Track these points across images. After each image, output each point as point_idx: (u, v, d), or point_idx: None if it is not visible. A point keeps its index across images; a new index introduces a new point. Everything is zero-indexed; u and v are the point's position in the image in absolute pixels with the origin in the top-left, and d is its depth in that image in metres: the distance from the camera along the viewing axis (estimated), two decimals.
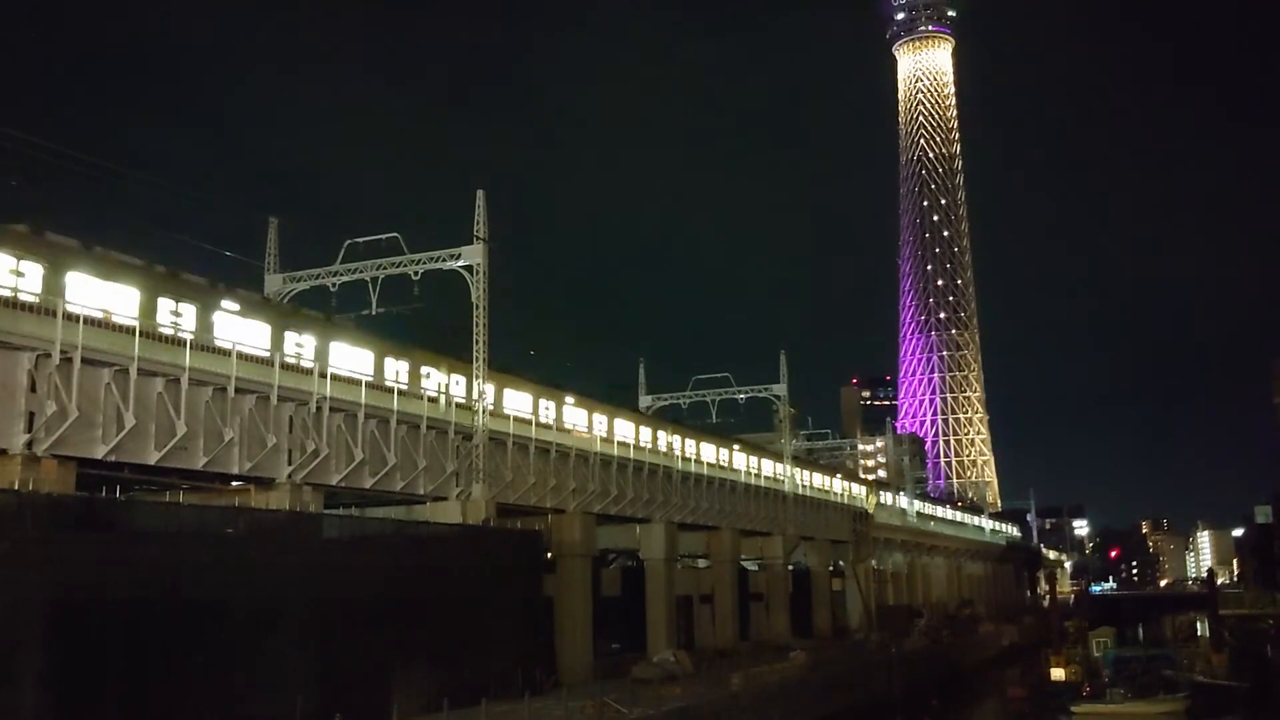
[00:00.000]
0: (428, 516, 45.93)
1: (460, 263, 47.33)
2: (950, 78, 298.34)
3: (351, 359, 42.70)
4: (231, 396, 35.86)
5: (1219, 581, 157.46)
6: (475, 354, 47.09)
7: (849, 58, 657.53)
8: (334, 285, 49.01)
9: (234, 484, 38.54)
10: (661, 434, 67.50)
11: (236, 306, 37.94)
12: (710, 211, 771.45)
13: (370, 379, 42.69)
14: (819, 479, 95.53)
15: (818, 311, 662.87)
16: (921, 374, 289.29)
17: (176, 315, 35.30)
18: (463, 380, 48.25)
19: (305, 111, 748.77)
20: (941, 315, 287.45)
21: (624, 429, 62.36)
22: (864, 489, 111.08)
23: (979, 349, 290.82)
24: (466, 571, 43.60)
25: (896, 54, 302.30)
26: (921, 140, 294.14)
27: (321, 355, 40.83)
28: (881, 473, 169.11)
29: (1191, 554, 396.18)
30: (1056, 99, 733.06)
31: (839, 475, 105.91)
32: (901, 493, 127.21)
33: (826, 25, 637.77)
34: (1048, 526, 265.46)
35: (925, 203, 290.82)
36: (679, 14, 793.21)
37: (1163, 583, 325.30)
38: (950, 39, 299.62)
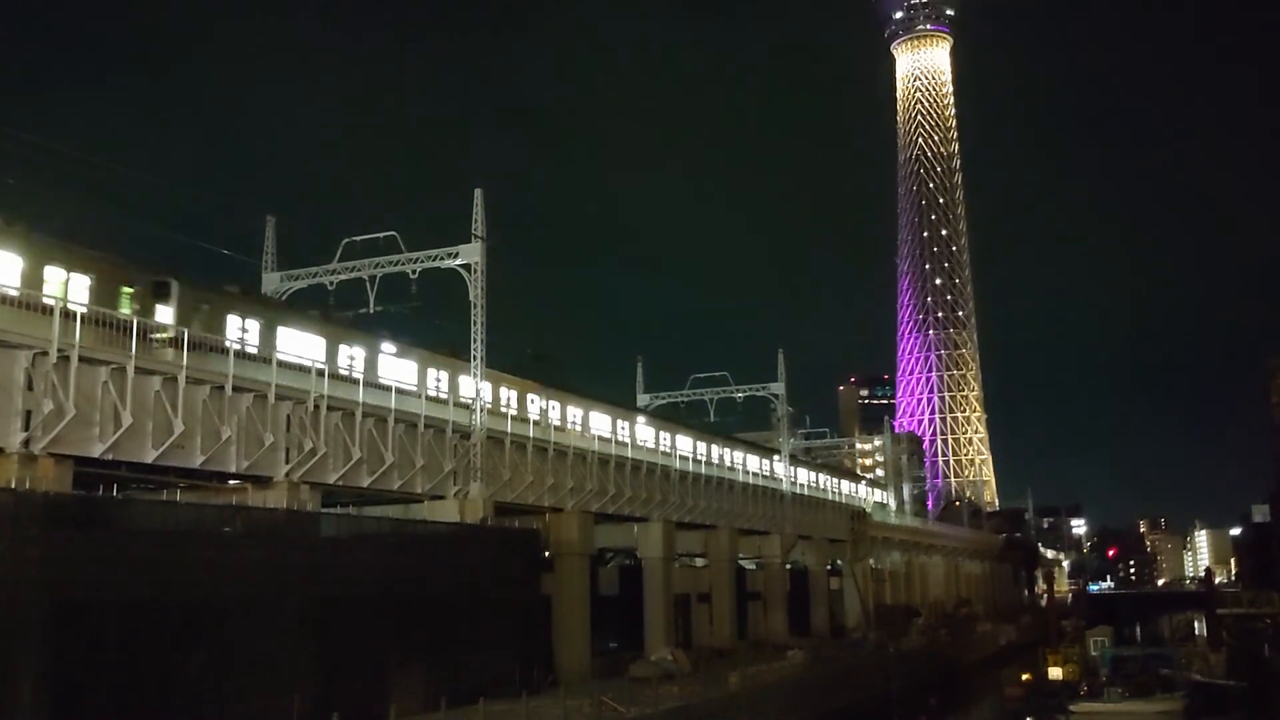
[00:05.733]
0: (425, 515, 45.93)
1: (458, 261, 47.34)
2: (949, 76, 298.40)
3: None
4: (229, 395, 35.83)
5: (1216, 580, 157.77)
6: (473, 353, 47.11)
7: (847, 56, 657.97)
8: (332, 284, 49.05)
9: (231, 482, 38.52)
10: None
11: None
12: (709, 210, 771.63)
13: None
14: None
15: (816, 311, 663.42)
16: (919, 373, 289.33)
17: None
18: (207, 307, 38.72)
19: (303, 110, 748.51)
20: (940, 314, 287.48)
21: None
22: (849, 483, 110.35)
23: (977, 348, 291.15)
24: (464, 570, 43.58)
25: (895, 53, 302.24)
26: (920, 139, 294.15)
27: None
28: (879, 471, 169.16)
29: (1189, 553, 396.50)
30: (1055, 98, 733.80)
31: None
32: (887, 492, 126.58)
33: (825, 24, 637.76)
34: (1045, 525, 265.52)
35: (924, 202, 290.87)
36: (678, 14, 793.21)
37: (1160, 582, 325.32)
38: (949, 38, 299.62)
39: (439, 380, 48.44)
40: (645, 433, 66.72)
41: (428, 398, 46.21)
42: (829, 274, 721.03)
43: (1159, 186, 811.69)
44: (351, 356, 43.93)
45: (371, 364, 44.69)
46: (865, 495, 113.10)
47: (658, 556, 63.78)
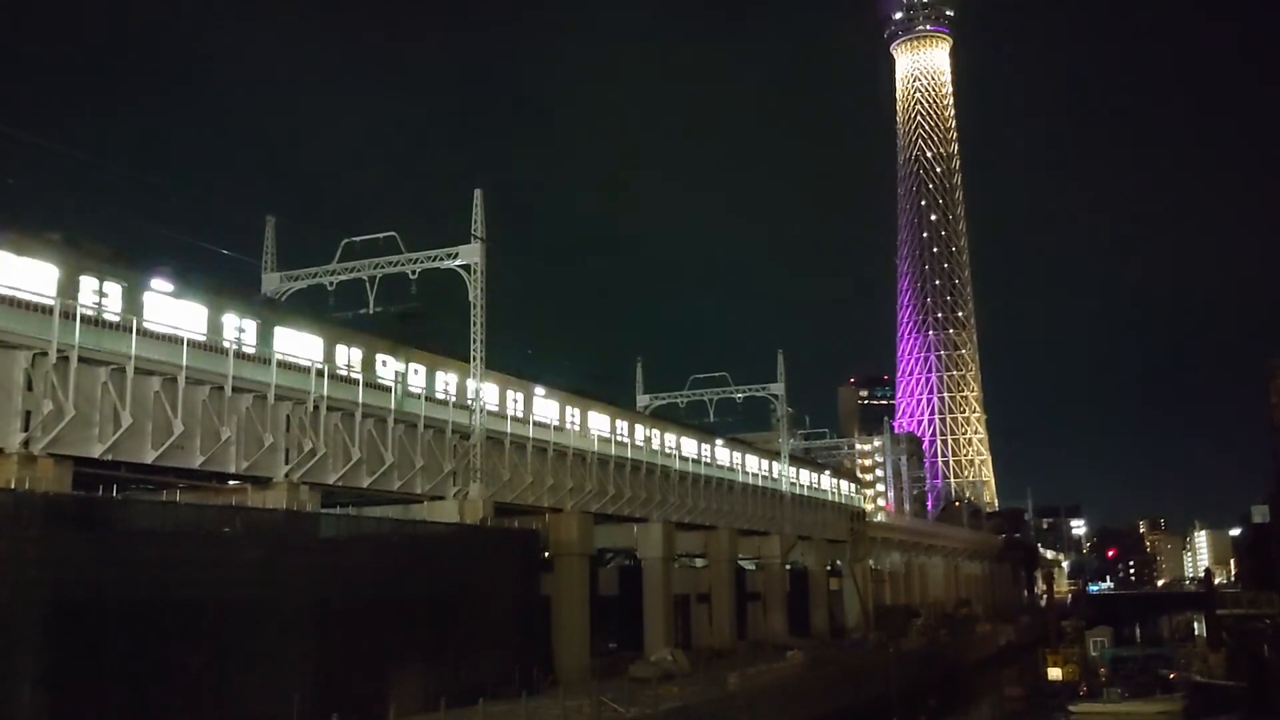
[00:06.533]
0: (425, 516, 45.93)
1: (458, 262, 47.34)
2: (948, 77, 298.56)
3: None
4: (229, 395, 35.85)
5: (1216, 581, 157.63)
6: (473, 353, 47.09)
7: (847, 57, 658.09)
8: (331, 284, 49.02)
9: (231, 483, 38.55)
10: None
11: None
12: (709, 211, 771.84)
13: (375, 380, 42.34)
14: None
15: (816, 311, 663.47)
16: (919, 373, 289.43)
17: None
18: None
19: (303, 111, 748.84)
20: (939, 315, 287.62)
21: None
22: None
23: (976, 348, 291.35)
24: (464, 570, 43.59)
25: (895, 53, 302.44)
26: (919, 140, 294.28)
27: None
28: (879, 472, 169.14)
29: (1189, 554, 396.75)
30: (1055, 98, 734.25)
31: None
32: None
33: (824, 24, 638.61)
34: (1045, 526, 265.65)
35: (923, 202, 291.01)
36: (676, 14, 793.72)
37: (1160, 582, 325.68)
38: (948, 38, 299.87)
39: (241, 331, 37.87)
40: (546, 408, 54.91)
41: (427, 398, 46.22)
42: (829, 274, 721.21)
43: (1159, 186, 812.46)
44: (102, 292, 33.29)
45: (132, 304, 33.91)
46: (831, 487, 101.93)
47: (657, 557, 63.80)
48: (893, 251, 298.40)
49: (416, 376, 45.71)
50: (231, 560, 33.30)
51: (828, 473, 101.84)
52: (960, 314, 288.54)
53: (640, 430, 64.50)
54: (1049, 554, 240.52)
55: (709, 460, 72.23)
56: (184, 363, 34.19)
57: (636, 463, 60.97)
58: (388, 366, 44.57)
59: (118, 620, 29.16)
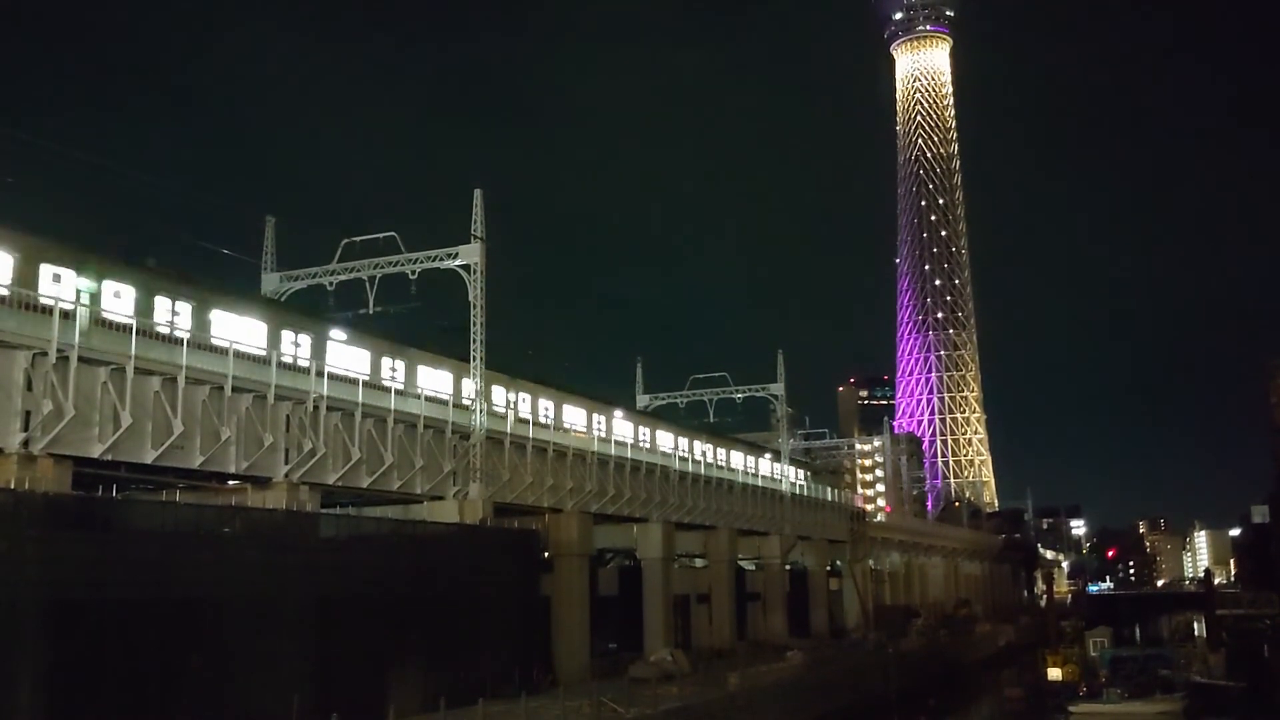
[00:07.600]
0: (425, 516, 45.92)
1: (458, 262, 47.34)
2: (948, 77, 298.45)
3: None
4: (228, 395, 35.83)
5: (1216, 581, 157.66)
6: (473, 353, 47.07)
7: (847, 57, 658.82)
8: (331, 284, 49.00)
9: (230, 483, 38.55)
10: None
11: None
12: (709, 211, 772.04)
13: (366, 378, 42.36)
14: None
15: (816, 311, 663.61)
16: (919, 373, 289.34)
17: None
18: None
19: (303, 110, 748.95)
20: (939, 315, 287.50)
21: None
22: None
23: (976, 348, 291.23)
24: (463, 571, 43.60)
25: (895, 54, 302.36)
26: (919, 140, 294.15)
27: None
28: (879, 472, 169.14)
29: (1189, 554, 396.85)
30: (1055, 98, 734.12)
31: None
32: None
33: (825, 25, 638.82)
34: (1045, 526, 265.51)
35: (923, 202, 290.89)
36: (677, 14, 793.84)
37: (1160, 582, 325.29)
38: (948, 39, 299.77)
39: None
40: (345, 355, 43.64)
41: (426, 398, 46.18)
42: (829, 274, 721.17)
43: (1159, 186, 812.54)
44: None
45: None
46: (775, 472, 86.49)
47: (657, 557, 63.77)
48: (893, 251, 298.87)
49: (179, 317, 36.04)
50: (231, 560, 33.32)
51: (768, 456, 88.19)
52: (960, 314, 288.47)
53: (524, 394, 54.94)
54: (1049, 554, 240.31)
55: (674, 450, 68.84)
56: (184, 362, 34.22)
57: (636, 463, 60.93)
58: (120, 297, 34.13)
59: (118, 620, 29.17)
